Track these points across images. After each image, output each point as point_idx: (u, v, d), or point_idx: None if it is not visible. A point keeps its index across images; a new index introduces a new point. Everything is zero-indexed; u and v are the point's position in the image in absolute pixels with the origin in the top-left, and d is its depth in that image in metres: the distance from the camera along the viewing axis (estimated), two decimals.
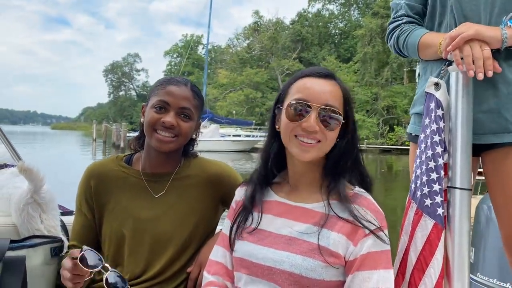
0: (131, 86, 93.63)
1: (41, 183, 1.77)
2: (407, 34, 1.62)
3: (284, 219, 1.32)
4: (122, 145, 32.46)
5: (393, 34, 1.69)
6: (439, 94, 1.37)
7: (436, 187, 1.32)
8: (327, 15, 64.51)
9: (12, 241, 1.65)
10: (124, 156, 1.74)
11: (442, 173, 1.33)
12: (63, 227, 1.91)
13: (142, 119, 1.65)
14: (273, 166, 1.39)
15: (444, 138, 1.36)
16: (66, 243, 1.77)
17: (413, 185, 1.41)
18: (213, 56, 68.76)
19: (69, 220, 1.84)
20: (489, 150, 1.53)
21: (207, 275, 1.41)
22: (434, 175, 1.33)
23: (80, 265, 1.29)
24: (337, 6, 64.73)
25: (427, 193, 1.33)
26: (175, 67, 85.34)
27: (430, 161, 1.34)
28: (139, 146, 1.74)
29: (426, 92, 1.42)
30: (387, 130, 42.14)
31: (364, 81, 44.99)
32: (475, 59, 1.33)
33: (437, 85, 1.38)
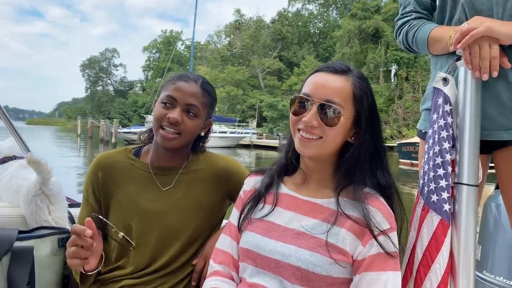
0: (109, 81, 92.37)
1: (49, 175, 1.80)
2: (416, 29, 1.59)
3: (293, 212, 1.31)
4: (114, 140, 32.43)
5: (401, 30, 1.66)
6: (447, 89, 1.35)
7: (443, 183, 1.30)
8: (307, 15, 65.13)
9: (20, 232, 1.67)
10: (133, 148, 1.74)
11: (449, 169, 1.31)
12: (71, 218, 1.93)
13: (153, 114, 1.65)
14: (294, 158, 1.39)
15: (452, 133, 1.33)
16: None
17: (421, 181, 1.40)
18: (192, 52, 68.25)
19: (77, 212, 1.83)
20: (501, 147, 1.50)
21: (213, 264, 1.41)
22: (441, 171, 1.31)
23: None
24: (316, 6, 65.45)
25: (433, 189, 1.32)
26: (154, 63, 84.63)
27: (437, 157, 1.32)
28: (149, 138, 1.75)
29: (434, 87, 1.39)
30: None
31: None
32: (482, 59, 1.30)
33: (445, 80, 1.36)
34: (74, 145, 35.02)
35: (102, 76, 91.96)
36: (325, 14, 65.65)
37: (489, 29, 1.29)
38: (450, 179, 1.31)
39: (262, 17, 61.42)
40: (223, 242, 1.43)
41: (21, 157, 2.14)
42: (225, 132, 37.29)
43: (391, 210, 1.25)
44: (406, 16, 1.65)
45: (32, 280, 1.61)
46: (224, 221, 1.74)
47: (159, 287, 1.57)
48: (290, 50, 58.32)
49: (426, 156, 1.38)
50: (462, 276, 1.28)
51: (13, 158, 2.14)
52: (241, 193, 1.49)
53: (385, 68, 46.03)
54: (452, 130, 1.34)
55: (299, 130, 1.27)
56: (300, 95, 1.29)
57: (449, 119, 1.33)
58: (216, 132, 36.45)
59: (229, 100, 51.67)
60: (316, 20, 65.83)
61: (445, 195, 1.29)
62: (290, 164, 1.40)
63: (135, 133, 35.12)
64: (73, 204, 2.06)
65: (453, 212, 1.32)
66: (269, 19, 63.49)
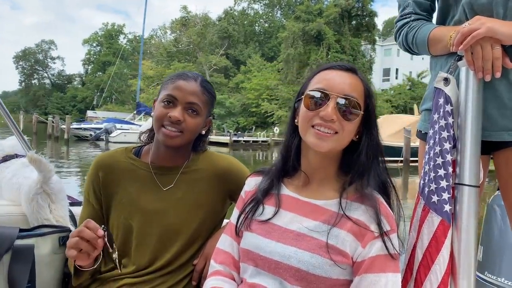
0: (46, 74, 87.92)
1: (50, 173, 1.80)
2: (416, 30, 1.57)
3: (293, 214, 1.31)
4: (66, 136, 31.81)
5: (401, 31, 1.65)
6: (448, 90, 1.34)
7: (444, 183, 1.30)
8: (252, 14, 65.65)
9: (21, 230, 1.66)
10: (133, 148, 1.74)
11: (450, 169, 1.30)
12: (72, 217, 1.93)
13: (153, 113, 1.65)
14: (295, 161, 1.38)
15: (453, 134, 1.32)
16: None
17: (421, 182, 1.39)
18: (134, 46, 66.57)
19: (78, 210, 1.85)
20: (502, 148, 1.48)
21: (214, 264, 1.41)
22: (441, 172, 1.30)
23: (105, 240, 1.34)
24: (261, 6, 66.08)
25: (434, 189, 1.32)
26: (95, 56, 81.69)
27: (438, 157, 1.32)
28: (150, 138, 1.75)
29: (435, 87, 1.38)
30: None
31: (287, 80, 46.94)
32: (485, 61, 1.29)
33: (446, 80, 1.35)
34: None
35: (38, 69, 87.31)
36: (270, 14, 66.61)
37: (490, 30, 1.28)
38: (450, 179, 1.30)
39: (208, 14, 61.21)
40: (224, 242, 1.43)
41: (23, 156, 2.13)
42: None
43: (391, 212, 1.25)
44: (406, 18, 1.64)
45: (33, 279, 1.61)
46: (225, 221, 1.75)
47: (159, 286, 1.57)
48: (237, 48, 58.63)
49: (427, 157, 1.37)
50: (462, 277, 1.28)
51: (15, 156, 2.13)
52: (242, 193, 1.49)
53: None
54: (453, 130, 1.33)
55: (313, 126, 1.26)
56: (317, 90, 1.27)
57: (450, 120, 1.32)
58: None
59: None
60: (261, 20, 66.61)
61: (445, 195, 1.29)
62: (290, 165, 1.39)
63: (85, 129, 34.05)
64: (74, 203, 2.07)
65: (454, 212, 1.31)
66: (215, 17, 63.47)
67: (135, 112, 40.92)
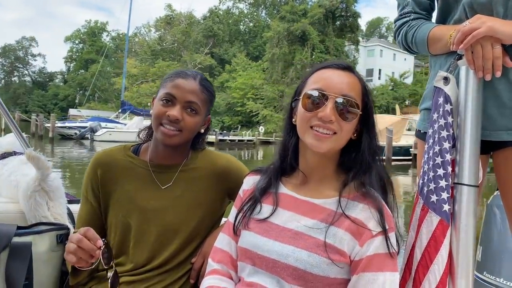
0: (26, 72, 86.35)
1: (48, 171, 1.79)
2: (415, 30, 1.57)
3: (291, 212, 1.31)
4: (50, 135, 31.44)
5: (400, 30, 1.64)
6: (448, 89, 1.33)
7: (443, 183, 1.29)
8: (237, 13, 65.71)
9: (19, 227, 1.66)
10: (132, 146, 1.73)
11: (449, 169, 1.30)
12: (70, 215, 1.92)
13: (151, 111, 1.64)
14: (293, 160, 1.38)
15: (452, 133, 1.32)
16: (72, 231, 1.78)
17: (420, 181, 1.38)
18: (118, 44, 65.88)
19: (76, 208, 1.84)
20: (501, 148, 1.48)
21: (212, 262, 1.41)
22: (440, 171, 1.30)
23: (101, 256, 1.33)
24: (246, 5, 66.23)
25: (433, 189, 1.31)
26: (77, 54, 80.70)
27: (437, 156, 1.31)
28: (148, 136, 1.75)
29: (435, 86, 1.38)
30: None
31: (272, 79, 47.37)
32: (485, 60, 1.28)
33: (446, 79, 1.35)
34: None
35: (19, 66, 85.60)
36: (255, 13, 66.79)
37: (491, 29, 1.27)
38: (450, 179, 1.30)
39: (192, 12, 61.16)
40: (222, 241, 1.43)
41: (21, 153, 2.12)
42: None
43: (389, 211, 1.25)
44: (405, 17, 1.64)
45: (30, 276, 1.61)
46: (223, 219, 1.74)
47: (157, 284, 1.57)
48: (222, 47, 58.71)
49: (426, 156, 1.37)
50: (460, 276, 1.27)
51: (13, 153, 2.14)
52: (240, 192, 1.48)
53: None
54: (453, 129, 1.32)
55: (311, 127, 1.26)
56: (315, 90, 1.26)
57: (450, 119, 1.32)
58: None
59: None
60: (246, 19, 66.78)
61: (444, 195, 1.29)
62: (288, 164, 1.39)
63: (70, 127, 33.60)
64: (72, 201, 2.06)
65: (453, 212, 1.31)
66: (200, 15, 63.38)
67: (119, 110, 40.62)
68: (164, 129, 1.55)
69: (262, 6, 65.33)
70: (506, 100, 1.42)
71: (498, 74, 1.30)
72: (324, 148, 1.25)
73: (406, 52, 1.70)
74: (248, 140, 36.04)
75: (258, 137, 35.79)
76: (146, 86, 51.04)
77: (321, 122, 1.24)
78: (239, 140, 35.68)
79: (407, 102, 47.11)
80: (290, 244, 1.24)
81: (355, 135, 1.31)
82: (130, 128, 34.11)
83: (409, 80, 54.49)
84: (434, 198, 1.31)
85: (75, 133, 33.01)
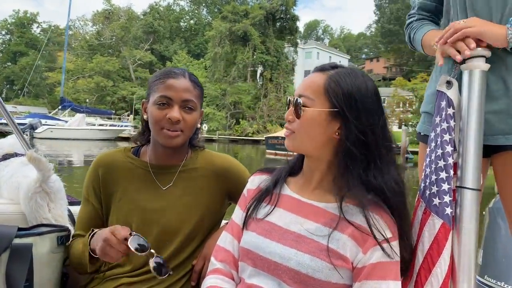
0: None
1: (49, 172, 1.78)
2: (415, 31, 1.63)
3: (294, 215, 1.30)
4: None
5: (406, 30, 1.70)
6: (451, 93, 1.34)
7: (445, 186, 1.29)
8: (178, 10, 64.98)
9: (19, 229, 1.65)
10: (132, 147, 1.74)
11: (452, 172, 1.30)
12: (70, 216, 1.92)
13: (145, 116, 1.65)
14: (300, 160, 1.40)
15: (454, 137, 1.33)
16: (73, 233, 1.77)
17: (422, 184, 1.38)
18: (50, 36, 62.63)
19: (76, 210, 1.83)
20: (499, 152, 1.50)
21: (214, 261, 1.40)
22: (443, 174, 1.30)
23: (129, 246, 1.35)
24: (187, 2, 65.86)
25: (435, 192, 1.31)
26: (4, 46, 75.70)
27: (440, 160, 1.32)
28: (144, 141, 1.75)
29: (437, 90, 1.39)
30: (234, 123, 47.33)
31: (214, 78, 47.42)
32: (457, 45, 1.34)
33: (449, 83, 1.35)
34: None
35: None
36: (196, 11, 66.38)
37: (481, 34, 1.32)
38: (452, 182, 1.31)
39: (131, 7, 59.73)
40: (225, 240, 1.42)
41: (22, 154, 2.11)
42: (105, 125, 37.30)
43: (393, 218, 1.23)
44: (411, 18, 1.70)
45: (31, 277, 1.60)
46: (223, 222, 1.76)
47: (157, 285, 1.57)
48: (162, 44, 57.95)
49: (428, 159, 1.37)
50: (462, 280, 1.27)
51: (14, 155, 2.11)
52: (244, 191, 1.48)
53: (252, 69, 48.83)
54: (454, 133, 1.34)
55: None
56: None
57: (452, 123, 1.33)
58: (95, 124, 36.62)
59: (98, 91, 49.46)
60: (187, 17, 66.25)
61: (447, 198, 1.29)
62: (295, 164, 1.41)
63: (6, 124, 31.39)
64: (73, 202, 2.05)
65: (455, 216, 1.31)
66: (140, 11, 62.03)
67: (59, 107, 39.44)
68: (167, 132, 1.56)
69: (204, 4, 65.11)
70: (503, 105, 1.44)
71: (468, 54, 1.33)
72: (289, 147, 1.33)
73: (414, 50, 1.73)
74: None
75: (202, 135, 35.76)
76: (83, 81, 49.28)
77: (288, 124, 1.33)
78: None
79: None
80: (293, 247, 1.23)
81: (336, 133, 1.25)
82: (72, 125, 33.36)
83: None
84: (436, 201, 1.31)
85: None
